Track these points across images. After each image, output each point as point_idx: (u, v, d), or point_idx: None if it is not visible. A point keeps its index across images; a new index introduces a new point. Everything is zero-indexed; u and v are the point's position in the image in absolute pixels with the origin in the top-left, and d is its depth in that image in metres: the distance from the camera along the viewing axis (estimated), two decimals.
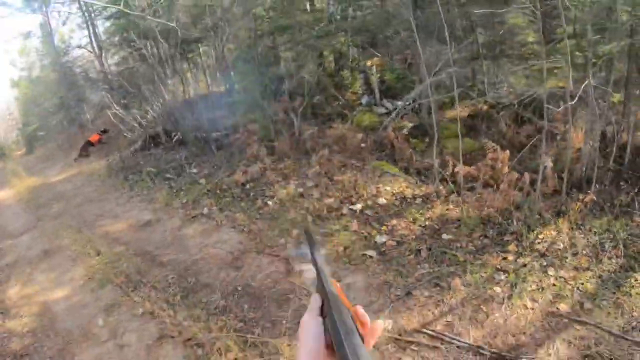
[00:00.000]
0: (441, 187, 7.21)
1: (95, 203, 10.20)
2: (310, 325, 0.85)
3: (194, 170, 10.13)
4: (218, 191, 8.64)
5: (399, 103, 10.58)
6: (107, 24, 19.60)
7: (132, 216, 8.71)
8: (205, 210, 8.01)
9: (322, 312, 0.87)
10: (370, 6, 12.94)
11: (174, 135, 12.49)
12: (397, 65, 11.90)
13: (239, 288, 5.67)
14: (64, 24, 23.48)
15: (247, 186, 8.58)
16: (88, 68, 21.84)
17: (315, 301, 0.92)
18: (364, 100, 11.72)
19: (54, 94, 25.21)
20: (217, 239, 7.03)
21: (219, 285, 5.76)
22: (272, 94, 11.40)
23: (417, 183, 7.68)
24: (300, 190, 8.02)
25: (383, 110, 11.03)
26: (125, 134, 13.84)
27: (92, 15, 20.43)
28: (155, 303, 5.61)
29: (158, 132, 13.14)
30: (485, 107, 9.69)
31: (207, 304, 5.45)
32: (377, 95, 11.50)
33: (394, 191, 7.48)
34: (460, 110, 9.77)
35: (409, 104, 10.26)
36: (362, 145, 9.31)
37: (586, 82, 5.90)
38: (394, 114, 10.08)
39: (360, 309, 0.84)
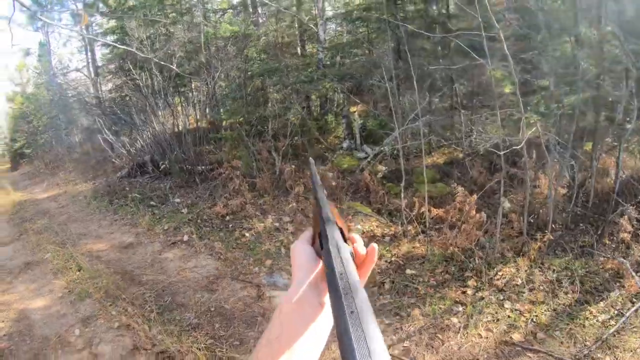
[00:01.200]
0: (410, 227, 7.69)
1: (80, 222, 10.59)
2: (301, 250, 0.92)
3: (177, 200, 10.59)
4: (199, 220, 9.12)
5: (378, 148, 11.23)
6: (105, 50, 20.36)
7: (115, 238, 9.12)
8: (186, 237, 8.46)
9: (313, 242, 0.94)
10: (357, 54, 13.77)
11: (161, 165, 12.93)
12: (380, 113, 12.40)
13: (212, 309, 6.10)
14: (64, 45, 24.11)
15: (227, 218, 9.06)
16: (82, 92, 22.30)
17: (307, 232, 0.99)
18: (345, 144, 12.29)
19: (45, 113, 25.55)
20: (195, 264, 7.47)
21: (193, 305, 6.17)
22: (258, 133, 11.95)
23: (387, 223, 8.19)
24: (277, 224, 8.53)
25: (362, 155, 11.55)
26: (113, 160, 14.28)
27: (92, 40, 21.10)
28: (132, 317, 6.00)
29: (145, 160, 13.58)
30: (460, 155, 10.21)
31: (181, 321, 5.84)
32: (358, 140, 12.13)
33: (365, 229, 7.95)
34: (437, 157, 10.66)
35: (387, 149, 10.92)
36: (339, 186, 9.76)
37: (552, 131, 6.47)
38: (370, 158, 10.76)
39: (356, 236, 0.89)
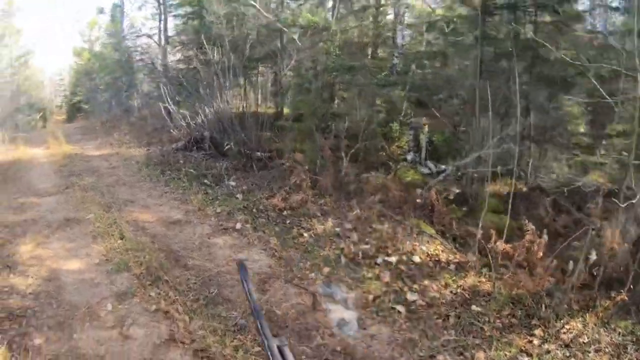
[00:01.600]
0: (475, 258, 7.00)
1: (128, 188, 10.04)
2: None
3: (232, 183, 9.93)
4: (254, 210, 8.40)
5: (442, 166, 10.65)
6: (179, 21, 20.09)
7: (162, 211, 8.49)
8: (239, 225, 7.76)
9: None
10: (433, 66, 13.03)
11: (225, 146, 12.38)
12: (446, 129, 11.74)
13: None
14: (139, 9, 23.99)
15: (285, 213, 8.33)
16: (150, 58, 22.13)
17: None
18: (409, 156, 11.65)
19: (109, 73, 25.55)
20: (247, 257, 6.76)
21: (241, 303, 5.45)
22: (323, 129, 11.29)
23: (452, 249, 7.45)
24: (338, 230, 7.75)
25: (426, 171, 10.99)
26: (171, 130, 13.76)
27: (166, 8, 20.87)
28: (172, 304, 5.33)
29: (204, 136, 13.03)
30: (525, 188, 9.57)
31: (226, 319, 5.14)
32: (423, 155, 11.44)
33: (430, 252, 7.25)
34: (500, 187, 9.79)
35: (450, 169, 10.25)
36: (403, 199, 9.09)
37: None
38: (441, 177, 9.95)
39: None
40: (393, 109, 13.64)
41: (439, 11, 14.30)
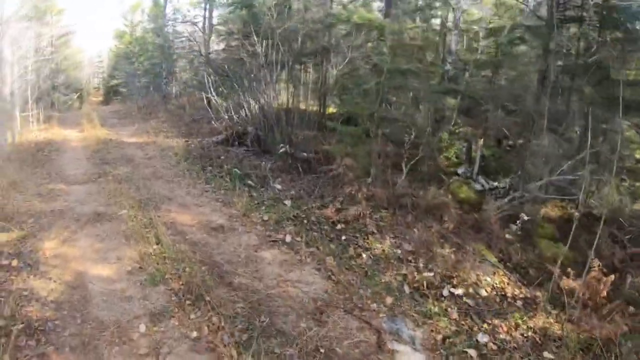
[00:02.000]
0: (539, 293, 6.27)
1: (165, 182, 9.22)
2: None
3: (279, 186, 9.06)
4: (305, 221, 7.49)
5: (494, 183, 9.94)
6: (226, 9, 19.33)
7: (203, 213, 7.63)
8: (288, 238, 6.85)
9: None
10: (487, 75, 12.11)
11: (262, 141, 11.58)
12: (494, 144, 11.11)
13: (321, 349, 4.48)
14: None
15: (339, 226, 7.41)
16: (193, 46, 21.46)
17: None
18: (461, 170, 10.75)
19: (149, 58, 25.04)
20: (299, 278, 5.85)
21: (297, 337, 4.57)
22: (375, 134, 10.40)
23: (517, 282, 6.62)
24: (397, 251, 6.86)
25: (479, 187, 10.09)
26: (211, 122, 12.96)
27: None
28: (216, 332, 4.47)
29: (247, 131, 12.23)
30: (576, 213, 8.46)
31: (280, 357, 4.29)
32: (476, 169, 10.46)
33: (495, 284, 6.44)
34: (550, 209, 9.21)
35: (501, 187, 9.70)
36: (462, 220, 8.20)
37: None
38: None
39: None
40: (442, 117, 12.83)
41: (497, 19, 13.51)
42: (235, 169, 9.48)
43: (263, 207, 7.93)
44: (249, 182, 9.11)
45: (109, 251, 6.08)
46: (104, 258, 5.90)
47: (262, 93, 11.88)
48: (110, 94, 33.32)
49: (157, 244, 6.19)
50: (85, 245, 6.25)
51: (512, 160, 10.23)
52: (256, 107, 12.13)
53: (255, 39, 11.87)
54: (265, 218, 7.48)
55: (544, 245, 7.64)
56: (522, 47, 11.50)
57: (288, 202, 8.20)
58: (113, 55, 34.68)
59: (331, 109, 14.00)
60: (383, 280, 6.05)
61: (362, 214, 7.75)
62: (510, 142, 10.90)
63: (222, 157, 10.73)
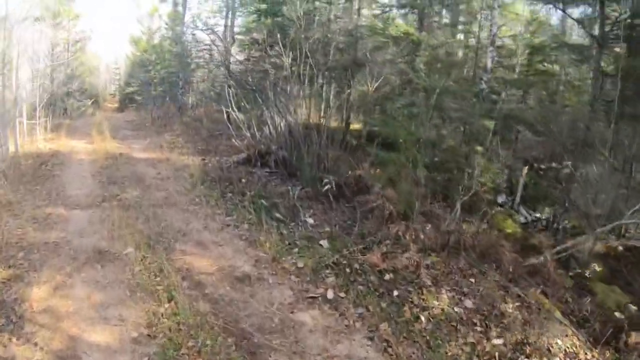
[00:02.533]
0: (608, 354, 5.38)
1: (179, 211, 7.92)
2: None
3: (310, 220, 7.80)
4: (348, 269, 6.17)
5: (537, 214, 9.23)
6: (249, 18, 18.29)
7: (225, 255, 6.32)
8: (330, 294, 5.55)
9: None
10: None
11: (287, 162, 10.38)
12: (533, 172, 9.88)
13: None
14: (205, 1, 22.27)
15: (387, 277, 6.12)
16: (212, 55, 20.39)
17: None
18: (501, 199, 9.77)
19: (165, 67, 24.07)
20: (349, 352, 4.58)
21: None
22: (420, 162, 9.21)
23: (586, 342, 5.56)
24: (458, 310, 5.61)
25: (522, 219, 9.16)
26: (232, 139, 11.74)
27: (234, 3, 19.08)
28: None
29: (270, 151, 11.02)
30: (620, 247, 7.92)
31: None
32: (518, 199, 9.50)
33: (567, 349, 5.38)
34: (592, 242, 7.95)
35: (544, 218, 9.01)
36: (518, 264, 7.00)
37: None
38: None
39: None
40: (475, 139, 11.73)
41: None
42: (262, 201, 8.17)
43: (296, 250, 6.63)
44: (277, 214, 7.81)
45: (109, 307, 4.86)
46: (103, 317, 4.68)
47: (288, 109, 10.70)
48: (126, 101, 32.59)
49: (170, 300, 4.93)
50: (82, 296, 5.05)
51: (550, 186, 9.42)
52: (281, 124, 10.93)
53: (282, 49, 10.73)
54: (300, 265, 6.18)
55: (600, 291, 6.78)
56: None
57: (325, 243, 6.93)
58: (129, 63, 33.88)
59: (355, 126, 13.24)
60: (449, 353, 4.86)
61: (414, 263, 6.49)
62: (543, 166, 9.77)
63: (244, 181, 9.47)
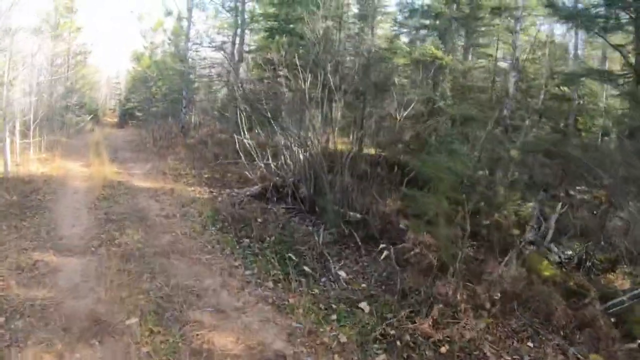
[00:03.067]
0: None
1: (190, 263, 6.66)
2: None
3: (343, 274, 6.65)
4: (398, 342, 5.03)
5: (568, 252, 8.28)
6: (260, 35, 17.37)
7: (250, 327, 5.08)
8: None
9: None
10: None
11: (308, 196, 9.33)
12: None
13: None
14: (214, 17, 21.25)
15: (443, 349, 5.01)
16: (220, 74, 19.41)
17: None
18: (530, 235, 8.66)
19: (168, 84, 23.16)
20: None
21: None
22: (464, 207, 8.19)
23: None
24: None
25: (556, 258, 8.25)
26: (244, 167, 10.64)
27: (245, 20, 18.06)
28: None
29: (286, 183, 9.95)
30: None
31: None
32: (550, 236, 8.46)
33: None
34: (615, 277, 7.87)
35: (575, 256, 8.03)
36: (565, 314, 6.08)
37: None
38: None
39: None
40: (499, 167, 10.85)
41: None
42: (288, 254, 6.98)
43: (334, 316, 5.45)
44: (305, 267, 6.65)
45: None
46: None
47: (307, 137, 9.65)
48: (126, 116, 31.83)
49: None
50: None
51: (578, 219, 8.51)
52: (300, 153, 9.87)
53: (299, 70, 9.83)
54: (343, 339, 5.00)
55: None
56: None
57: (365, 306, 5.77)
58: (130, 78, 33.05)
59: (368, 150, 12.04)
60: None
61: (471, 329, 5.40)
62: (554, 193, 9.14)
63: (259, 220, 8.35)
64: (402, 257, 7.15)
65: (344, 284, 6.39)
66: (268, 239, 7.44)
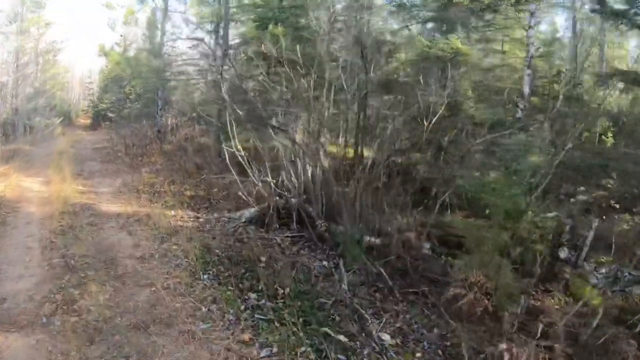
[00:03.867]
0: None
1: (180, 340, 4.51)
2: None
3: (387, 338, 4.90)
4: None
5: (602, 270, 7.51)
6: (248, 27, 15.42)
7: None
8: None
9: None
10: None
11: (316, 222, 7.64)
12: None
13: None
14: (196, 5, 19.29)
15: None
16: (201, 72, 17.45)
17: None
18: (563, 254, 8.03)
19: (141, 83, 21.28)
20: None
21: None
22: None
23: None
24: None
25: (594, 280, 7.54)
26: (240, 194, 8.76)
27: (229, 10, 16.18)
28: None
29: (289, 204, 8.23)
30: None
31: None
32: (584, 254, 7.81)
33: None
34: None
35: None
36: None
37: None
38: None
39: None
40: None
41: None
42: (316, 316, 5.12)
43: None
44: (340, 336, 4.79)
45: None
46: None
47: (316, 145, 8.03)
48: (99, 118, 30.03)
49: None
50: None
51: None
52: (306, 169, 8.20)
53: (301, 67, 8.57)
54: None
55: None
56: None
57: None
58: (102, 77, 30.95)
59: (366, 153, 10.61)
60: None
61: None
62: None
63: (264, 259, 6.51)
64: (449, 303, 5.87)
65: (393, 354, 4.62)
66: (281, 291, 5.60)
